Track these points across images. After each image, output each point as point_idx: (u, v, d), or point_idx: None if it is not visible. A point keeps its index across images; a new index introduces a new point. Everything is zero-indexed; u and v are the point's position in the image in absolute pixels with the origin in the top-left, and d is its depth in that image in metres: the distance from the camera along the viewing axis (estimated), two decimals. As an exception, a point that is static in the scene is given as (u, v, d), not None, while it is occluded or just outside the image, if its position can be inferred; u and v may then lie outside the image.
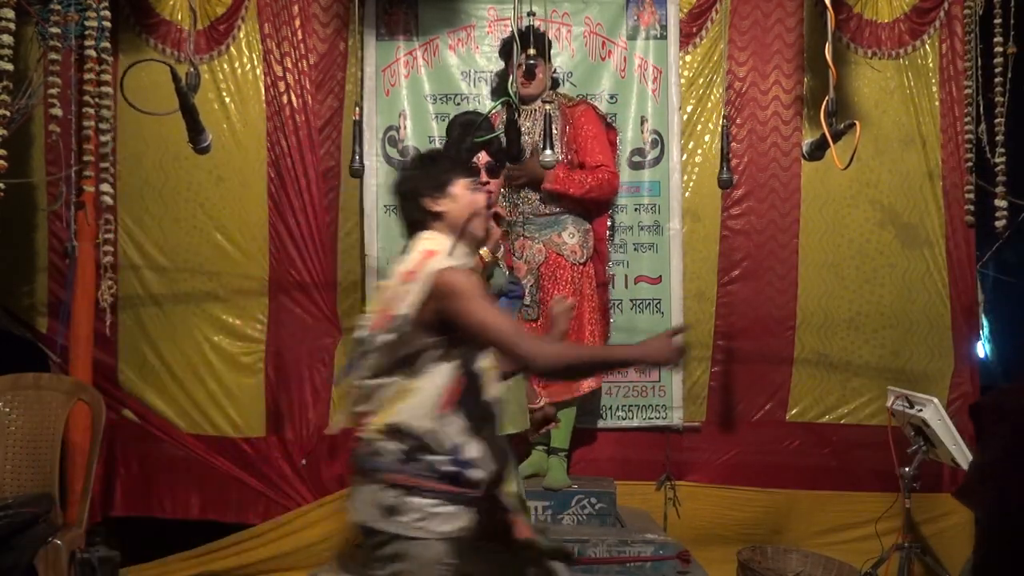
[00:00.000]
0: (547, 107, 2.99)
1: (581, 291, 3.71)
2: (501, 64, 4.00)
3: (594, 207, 3.85)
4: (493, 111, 2.28)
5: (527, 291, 3.64)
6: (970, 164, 4.07)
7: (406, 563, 1.89)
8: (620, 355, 2.09)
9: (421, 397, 1.92)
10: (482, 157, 2.35)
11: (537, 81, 3.60)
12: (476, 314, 1.87)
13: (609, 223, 4.01)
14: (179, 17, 4.08)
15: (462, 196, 2.07)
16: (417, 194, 2.08)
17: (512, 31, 3.11)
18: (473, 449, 1.94)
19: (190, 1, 2.05)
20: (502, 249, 2.75)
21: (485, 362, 2.01)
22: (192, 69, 1.89)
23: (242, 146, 4.10)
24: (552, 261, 3.71)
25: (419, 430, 1.90)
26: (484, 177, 2.28)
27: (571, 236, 3.74)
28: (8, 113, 3.04)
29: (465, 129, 2.27)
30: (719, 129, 3.26)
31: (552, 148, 2.92)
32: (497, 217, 2.25)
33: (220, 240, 4.10)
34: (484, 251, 2.27)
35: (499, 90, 4.03)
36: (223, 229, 4.10)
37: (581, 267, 3.74)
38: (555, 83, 3.93)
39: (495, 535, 2.05)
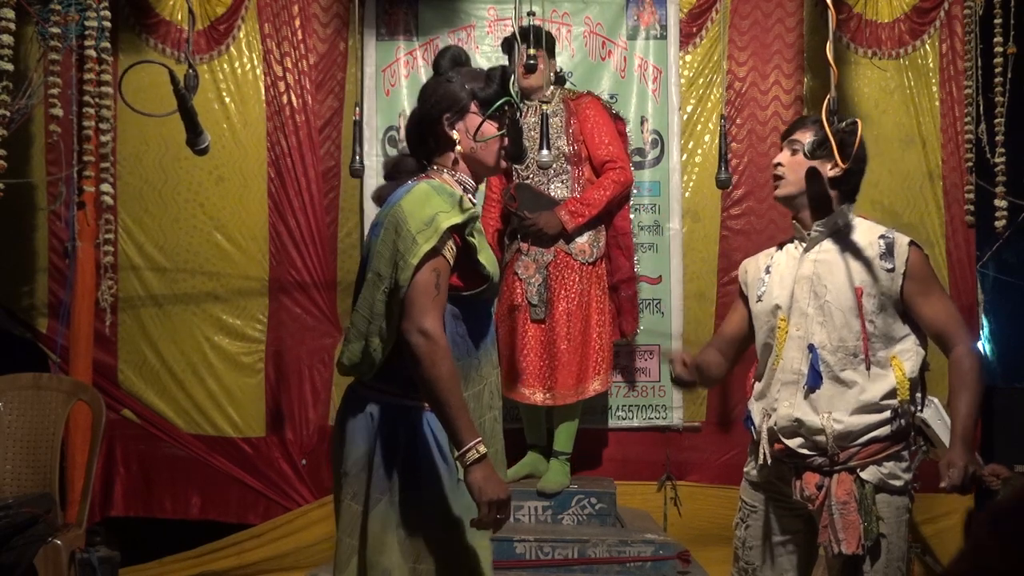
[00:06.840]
0: (544, 108, 2.97)
1: (588, 292, 3.55)
2: (501, 63, 3.97)
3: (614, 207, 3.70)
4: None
5: (535, 289, 3.51)
6: (970, 164, 4.06)
7: None
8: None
9: None
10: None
11: (538, 74, 3.44)
12: None
13: (632, 215, 3.86)
14: (179, 17, 4.09)
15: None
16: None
17: (513, 26, 3.08)
18: None
19: (189, 3, 2.02)
20: None
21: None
22: (191, 70, 1.87)
23: (242, 146, 4.11)
24: (560, 260, 3.53)
25: None
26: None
27: (581, 235, 3.57)
28: (8, 113, 3.04)
29: (455, 61, 1.98)
30: (719, 129, 3.25)
31: (549, 148, 2.91)
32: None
33: (220, 240, 4.10)
34: None
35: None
36: (223, 229, 4.10)
37: (590, 267, 3.56)
38: (560, 80, 3.78)
39: None
